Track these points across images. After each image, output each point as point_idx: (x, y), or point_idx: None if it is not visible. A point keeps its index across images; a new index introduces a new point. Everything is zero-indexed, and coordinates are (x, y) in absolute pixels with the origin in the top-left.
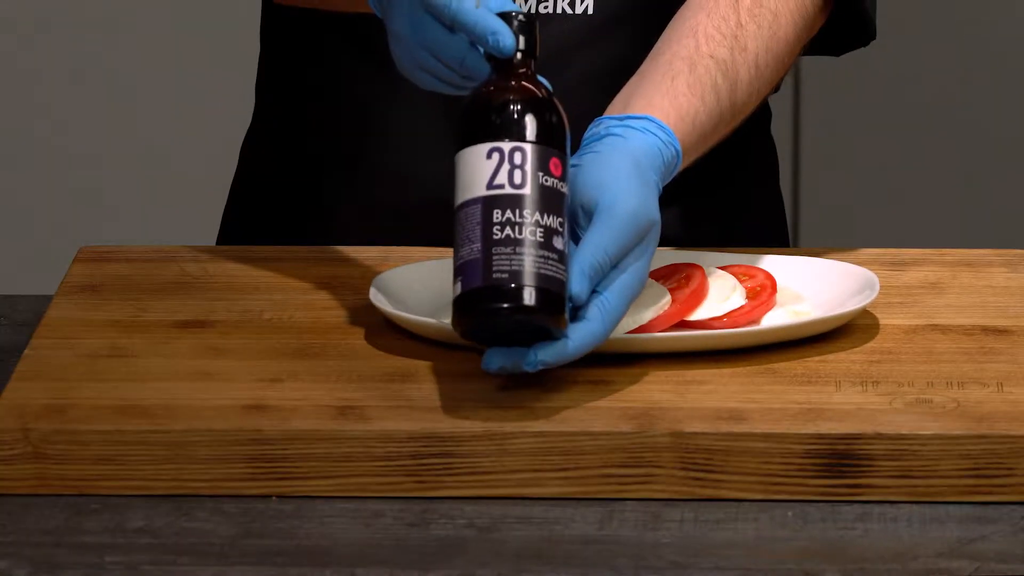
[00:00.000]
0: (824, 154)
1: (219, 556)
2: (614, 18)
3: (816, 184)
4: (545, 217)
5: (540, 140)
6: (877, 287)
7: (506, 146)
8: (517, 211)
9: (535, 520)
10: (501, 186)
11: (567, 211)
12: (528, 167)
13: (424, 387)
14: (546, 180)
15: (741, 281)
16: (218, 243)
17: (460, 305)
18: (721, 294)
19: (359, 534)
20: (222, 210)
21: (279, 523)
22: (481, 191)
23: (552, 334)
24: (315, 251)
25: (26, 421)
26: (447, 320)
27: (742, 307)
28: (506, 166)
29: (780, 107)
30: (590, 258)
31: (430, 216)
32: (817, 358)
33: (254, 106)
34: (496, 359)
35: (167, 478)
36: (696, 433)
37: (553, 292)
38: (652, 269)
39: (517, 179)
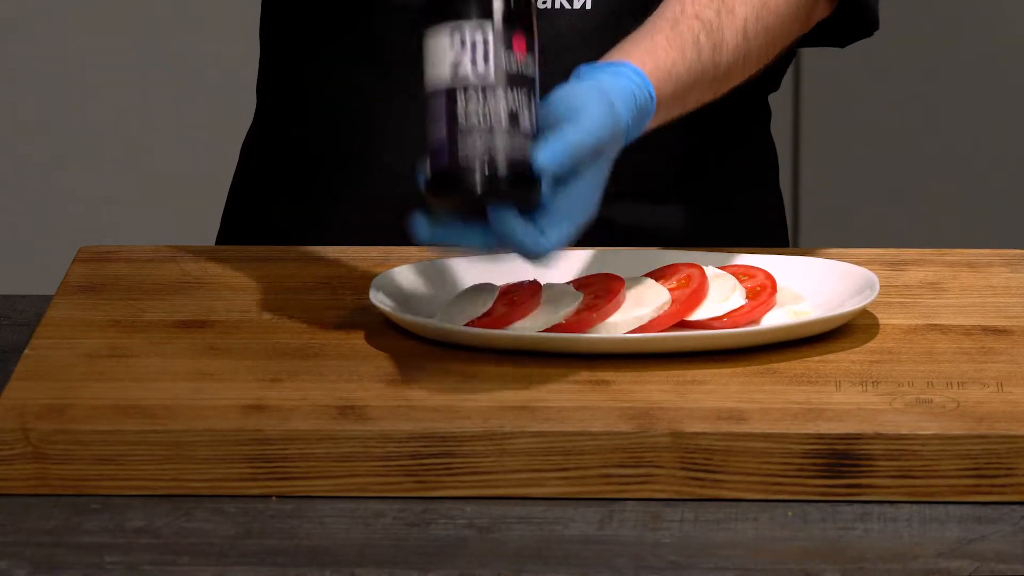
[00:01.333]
0: (824, 154)
1: (219, 556)
2: (613, 13)
3: (816, 184)
4: (509, 97)
5: (501, 18)
6: (877, 287)
7: (468, 25)
8: (481, 92)
9: (535, 520)
10: (463, 66)
11: (535, 92)
12: (490, 47)
13: (424, 387)
14: (509, 59)
15: (741, 281)
16: (217, 243)
17: (430, 186)
18: (721, 294)
19: (359, 534)
20: (222, 210)
21: (279, 523)
22: (445, 71)
23: (521, 209)
24: (315, 251)
25: (26, 421)
26: (447, 320)
27: (742, 307)
28: (468, 47)
29: (780, 107)
30: (555, 148)
31: None
32: (817, 358)
33: (256, 105)
34: (467, 236)
35: (167, 478)
36: (696, 433)
37: (519, 171)
38: (652, 269)
39: (480, 60)
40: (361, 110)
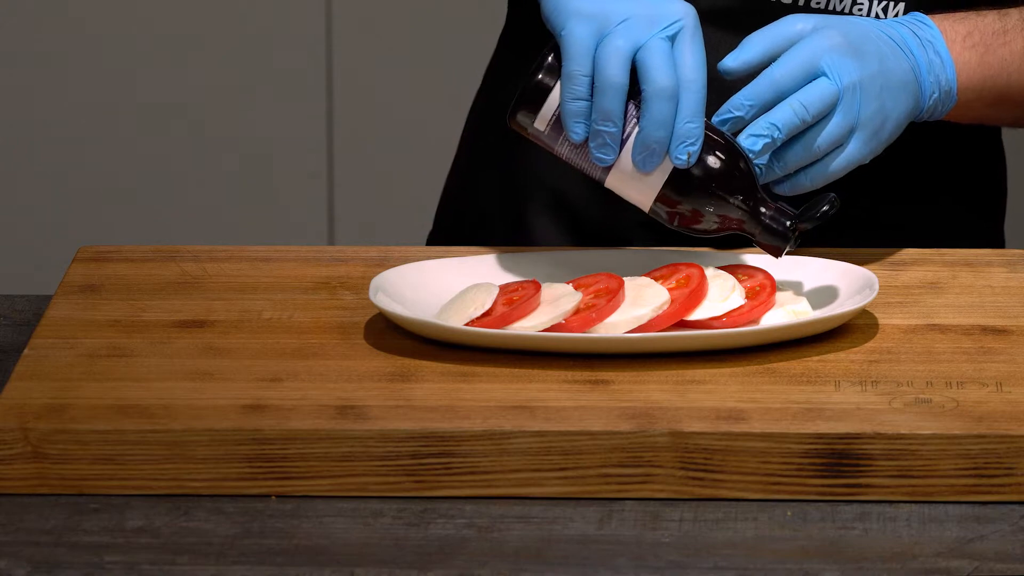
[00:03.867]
0: None
1: (218, 556)
2: None
3: None
4: None
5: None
6: (876, 287)
7: None
8: None
9: (534, 520)
10: None
11: None
12: None
13: (424, 387)
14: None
15: (741, 281)
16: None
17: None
18: (721, 294)
19: (358, 534)
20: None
21: (278, 523)
22: None
23: None
24: (315, 251)
25: (26, 421)
26: (447, 320)
27: (741, 307)
28: None
29: None
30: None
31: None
32: (816, 358)
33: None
34: None
35: (166, 478)
36: (695, 433)
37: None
38: (651, 269)
39: None
40: None
